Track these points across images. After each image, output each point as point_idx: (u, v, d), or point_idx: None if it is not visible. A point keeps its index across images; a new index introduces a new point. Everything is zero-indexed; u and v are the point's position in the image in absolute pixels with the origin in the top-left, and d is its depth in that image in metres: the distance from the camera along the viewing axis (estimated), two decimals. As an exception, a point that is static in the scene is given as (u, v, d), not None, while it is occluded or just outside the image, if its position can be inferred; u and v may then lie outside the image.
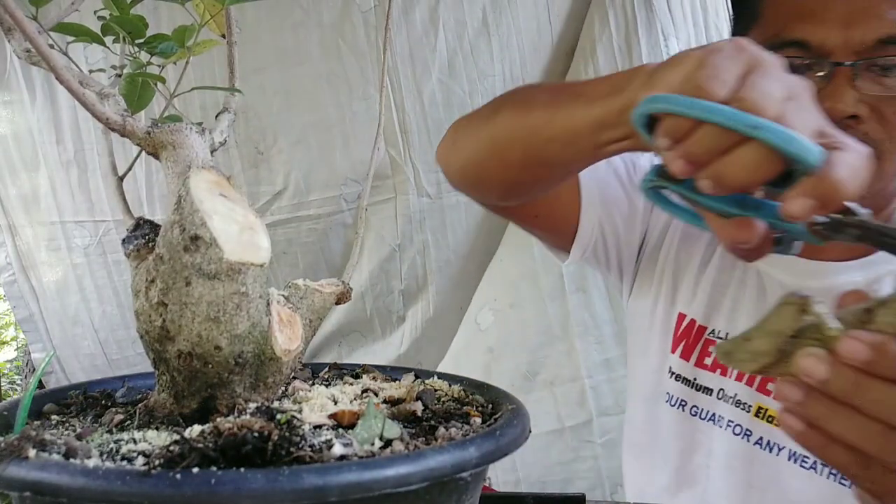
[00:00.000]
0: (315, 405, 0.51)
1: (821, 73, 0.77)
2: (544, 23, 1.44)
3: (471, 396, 0.57)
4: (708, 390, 0.92)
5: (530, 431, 0.48)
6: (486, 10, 1.42)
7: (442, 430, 0.47)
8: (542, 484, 1.55)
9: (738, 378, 0.89)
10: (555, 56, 1.45)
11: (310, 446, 0.40)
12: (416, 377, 0.62)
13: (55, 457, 0.39)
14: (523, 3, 1.44)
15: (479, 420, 0.50)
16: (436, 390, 0.57)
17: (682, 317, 0.95)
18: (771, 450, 0.86)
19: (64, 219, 1.56)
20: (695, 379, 0.93)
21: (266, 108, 1.48)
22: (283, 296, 0.53)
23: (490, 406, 0.54)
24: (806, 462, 0.84)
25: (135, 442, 0.43)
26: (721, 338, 0.92)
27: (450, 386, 0.59)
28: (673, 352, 0.95)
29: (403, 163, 1.48)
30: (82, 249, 1.56)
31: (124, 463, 0.40)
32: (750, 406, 0.88)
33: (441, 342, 1.61)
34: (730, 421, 0.89)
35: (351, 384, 0.59)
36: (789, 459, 0.85)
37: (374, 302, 1.58)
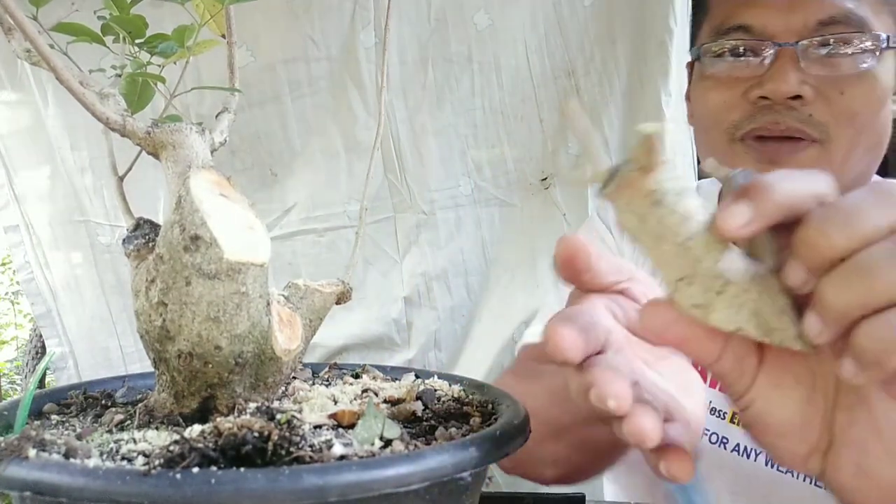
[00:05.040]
0: (315, 405, 0.51)
1: (765, 56, 0.79)
2: (522, 59, 1.56)
3: (470, 396, 0.57)
4: None
5: (530, 431, 0.48)
6: (472, 48, 1.55)
7: (442, 430, 0.47)
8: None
9: (712, 384, 0.86)
10: (535, 84, 1.58)
11: (310, 446, 0.40)
12: (416, 377, 0.62)
13: (55, 457, 0.39)
14: (503, 40, 1.55)
15: (479, 420, 0.50)
16: (436, 390, 0.57)
17: None
18: (748, 455, 0.85)
19: (86, 217, 1.59)
20: None
21: (281, 134, 1.58)
22: (283, 296, 0.54)
23: (490, 406, 0.54)
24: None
25: (135, 442, 0.43)
26: None
27: (450, 386, 0.59)
28: None
29: (400, 185, 1.60)
30: (105, 246, 1.60)
31: (124, 463, 0.40)
32: (725, 413, 0.87)
33: (447, 346, 1.66)
34: (706, 429, 0.88)
35: (351, 384, 0.59)
36: (767, 464, 0.84)
37: (378, 311, 1.63)
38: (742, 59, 0.81)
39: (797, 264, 0.36)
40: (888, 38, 0.79)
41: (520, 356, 1.05)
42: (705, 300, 0.37)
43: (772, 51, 0.79)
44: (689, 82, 0.93)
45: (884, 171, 0.89)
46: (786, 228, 0.38)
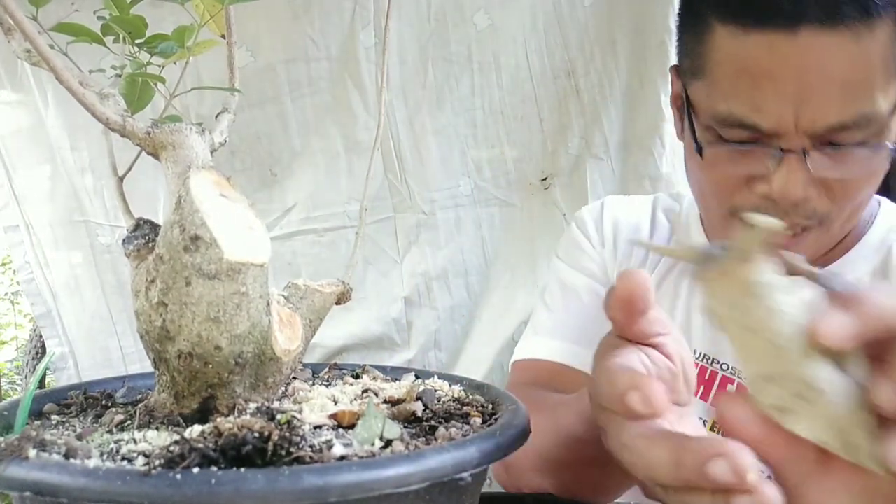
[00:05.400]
0: (315, 405, 0.51)
1: (772, 156, 0.74)
2: (522, 59, 1.56)
3: (471, 396, 0.57)
4: None
5: (530, 431, 0.48)
6: (472, 48, 1.55)
7: (442, 430, 0.47)
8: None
9: (695, 394, 0.88)
10: (535, 84, 1.58)
11: (310, 446, 0.40)
12: (417, 377, 0.62)
13: (55, 457, 0.39)
14: (503, 40, 1.55)
15: (479, 420, 0.50)
16: (436, 390, 0.57)
17: None
18: None
19: (86, 217, 1.59)
20: None
21: (281, 134, 1.59)
22: (283, 296, 0.54)
23: (490, 406, 0.54)
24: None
25: (135, 442, 0.43)
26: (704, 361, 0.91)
27: (450, 386, 0.59)
28: None
29: (400, 185, 1.60)
30: (105, 246, 1.60)
31: (124, 463, 0.40)
32: (706, 421, 0.89)
33: (447, 346, 1.66)
34: None
35: (351, 384, 0.59)
36: None
37: (378, 311, 1.63)
38: (747, 153, 0.76)
39: (891, 387, 0.35)
40: None
41: (515, 373, 1.05)
42: (787, 403, 0.36)
43: (779, 154, 0.73)
44: (673, 86, 0.88)
45: (885, 187, 0.88)
46: (875, 344, 0.37)
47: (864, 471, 0.38)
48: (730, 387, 0.87)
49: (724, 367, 0.89)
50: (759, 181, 0.75)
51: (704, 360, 0.90)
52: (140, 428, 0.47)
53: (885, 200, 0.92)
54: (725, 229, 0.83)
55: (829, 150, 0.72)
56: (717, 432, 0.87)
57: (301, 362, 0.56)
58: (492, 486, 1.16)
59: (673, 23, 1.47)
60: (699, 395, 0.90)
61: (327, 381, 0.62)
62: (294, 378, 0.58)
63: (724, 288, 0.37)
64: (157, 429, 0.47)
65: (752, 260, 0.36)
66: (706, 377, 0.90)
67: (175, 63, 0.57)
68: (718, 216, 0.84)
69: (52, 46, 0.48)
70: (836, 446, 0.36)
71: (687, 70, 0.82)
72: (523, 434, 0.46)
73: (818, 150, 0.72)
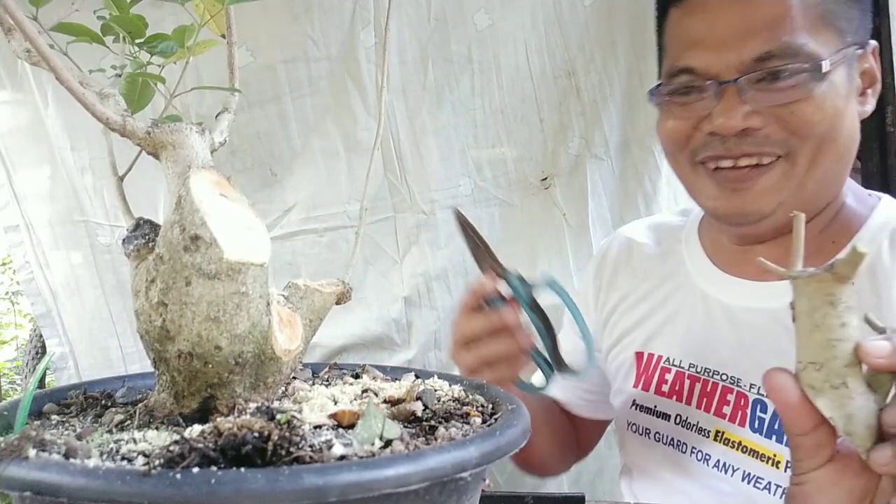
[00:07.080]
0: (315, 405, 0.51)
1: (709, 94, 0.83)
2: (522, 59, 1.57)
3: (471, 396, 0.57)
4: (666, 416, 0.95)
5: (530, 431, 0.48)
6: (472, 48, 1.56)
7: (442, 430, 0.47)
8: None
9: (698, 406, 0.92)
10: (535, 84, 1.59)
11: (310, 446, 0.40)
12: (416, 377, 0.62)
13: (55, 457, 0.39)
14: (503, 40, 1.56)
15: (479, 420, 0.50)
16: (436, 390, 0.57)
17: (639, 355, 1.00)
18: (727, 471, 0.88)
19: (86, 217, 1.60)
20: (655, 406, 0.96)
21: (281, 134, 1.59)
22: (283, 296, 0.54)
23: (490, 406, 0.54)
24: (759, 483, 0.85)
25: (135, 442, 0.43)
26: (677, 364, 0.94)
27: (450, 386, 0.59)
28: (635, 386, 0.99)
29: (400, 185, 1.61)
30: (105, 246, 1.60)
31: (124, 463, 0.40)
32: (709, 431, 0.90)
33: (447, 346, 1.66)
34: (692, 447, 0.91)
35: (351, 384, 0.59)
36: (743, 480, 0.86)
37: (378, 311, 1.63)
38: (689, 97, 0.85)
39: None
40: (830, 59, 0.79)
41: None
42: (820, 386, 0.49)
43: (714, 89, 0.82)
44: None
45: (885, 185, 0.88)
46: None
47: (866, 475, 0.51)
48: (729, 396, 0.88)
49: (724, 377, 0.90)
50: (706, 122, 0.85)
51: (706, 374, 0.92)
52: (140, 428, 0.47)
53: (885, 196, 0.93)
54: (696, 181, 0.89)
55: (763, 82, 0.80)
56: (721, 442, 0.88)
57: (301, 362, 0.56)
58: (491, 486, 1.16)
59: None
60: (702, 406, 0.91)
61: (327, 380, 0.62)
62: (294, 378, 0.58)
63: (811, 291, 0.49)
64: (156, 429, 0.47)
65: (844, 280, 0.48)
66: (707, 389, 0.91)
67: (175, 63, 0.57)
68: (687, 168, 0.90)
69: (52, 46, 0.48)
70: (841, 426, 0.49)
71: (660, 63, 0.94)
72: (523, 434, 0.46)
73: (753, 83, 0.81)
